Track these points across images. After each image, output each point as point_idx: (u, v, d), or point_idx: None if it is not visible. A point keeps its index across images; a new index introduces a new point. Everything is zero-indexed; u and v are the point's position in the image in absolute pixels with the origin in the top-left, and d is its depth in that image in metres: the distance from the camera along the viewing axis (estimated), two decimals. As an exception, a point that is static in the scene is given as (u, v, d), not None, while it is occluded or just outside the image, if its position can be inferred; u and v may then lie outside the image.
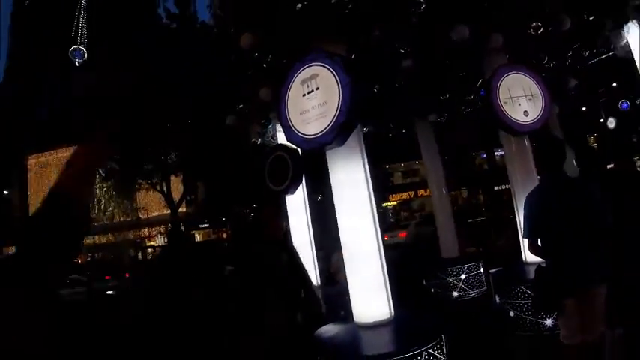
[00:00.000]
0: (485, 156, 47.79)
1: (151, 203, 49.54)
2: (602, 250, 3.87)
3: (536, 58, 7.90)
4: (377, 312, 5.01)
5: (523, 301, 6.35)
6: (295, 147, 6.77)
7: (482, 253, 12.13)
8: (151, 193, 36.57)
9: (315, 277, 8.48)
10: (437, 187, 11.07)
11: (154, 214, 51.26)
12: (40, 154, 62.65)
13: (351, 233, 5.22)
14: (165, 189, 32.27)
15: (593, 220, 3.83)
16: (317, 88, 5.08)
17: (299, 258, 5.19)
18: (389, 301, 5.10)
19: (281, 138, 8.19)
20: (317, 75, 5.09)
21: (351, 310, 5.23)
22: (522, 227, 4.49)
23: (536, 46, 7.74)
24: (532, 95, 6.94)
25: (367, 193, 5.27)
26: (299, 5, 4.97)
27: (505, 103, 6.80)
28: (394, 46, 7.02)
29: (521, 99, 6.89)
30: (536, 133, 6.82)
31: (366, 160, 5.39)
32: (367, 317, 5.03)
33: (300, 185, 8.16)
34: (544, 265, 4.21)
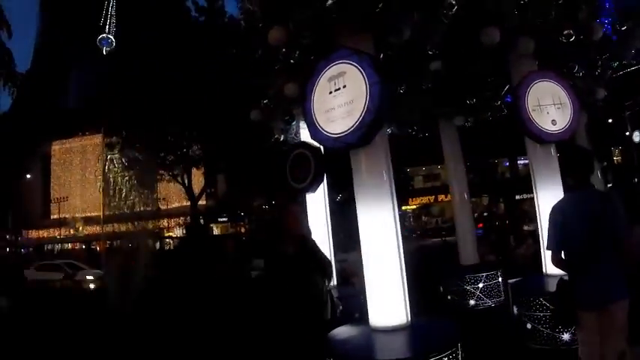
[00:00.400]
0: (508, 164, 47.38)
1: (172, 194, 49.99)
2: (624, 264, 3.80)
3: (566, 67, 7.75)
4: (393, 317, 4.93)
5: (541, 314, 6.22)
6: (318, 145, 6.74)
7: (502, 261, 11.99)
8: (172, 184, 36.84)
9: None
10: (458, 192, 10.94)
11: (173, 205, 51.72)
12: (65, 141, 63.50)
13: (372, 235, 5.15)
14: (186, 181, 32.46)
15: (617, 235, 3.76)
16: (344, 86, 5.03)
17: (320, 258, 5.09)
18: (406, 306, 5.03)
19: (304, 135, 8.15)
20: (344, 73, 5.04)
21: (367, 313, 5.16)
22: (546, 238, 4.40)
23: (566, 53, 7.60)
24: (561, 104, 6.80)
25: (390, 195, 5.19)
26: (329, 2, 4.90)
27: (533, 110, 6.68)
28: (423, 46, 6.93)
29: (550, 107, 6.75)
30: (564, 143, 6.69)
31: (390, 162, 5.32)
32: (383, 322, 4.96)
33: (322, 184, 8.12)
34: (566, 277, 4.12)
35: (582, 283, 3.87)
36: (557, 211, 4.18)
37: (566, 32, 7.01)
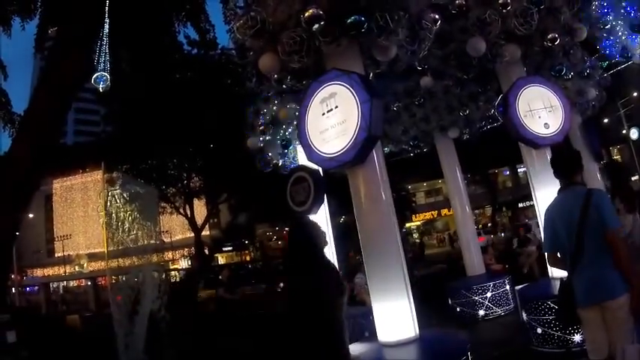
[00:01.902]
0: (508, 172, 47.45)
1: (175, 226, 49.94)
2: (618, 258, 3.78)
3: (554, 70, 7.85)
4: (401, 331, 4.96)
5: (550, 317, 6.23)
6: (316, 167, 6.82)
7: (509, 270, 11.99)
8: (174, 216, 36.89)
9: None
10: (460, 204, 10.98)
11: (177, 237, 51.66)
12: (66, 178, 63.67)
13: (374, 252, 5.20)
14: (188, 212, 32.49)
15: (604, 230, 3.76)
16: (336, 107, 5.13)
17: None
18: (413, 320, 5.06)
19: (302, 159, 8.23)
20: (335, 93, 5.14)
21: (375, 329, 5.19)
22: (543, 241, 4.44)
23: (553, 57, 7.71)
24: (552, 107, 6.88)
25: (389, 212, 5.26)
26: (316, 26, 5.01)
27: (525, 116, 6.75)
28: (411, 63, 7.05)
29: (541, 111, 6.83)
30: (556, 145, 6.76)
31: (387, 179, 5.38)
32: (392, 336, 4.98)
33: (323, 205, 8.17)
34: (566, 278, 4.15)
35: (577, 282, 3.89)
36: (547, 213, 4.23)
37: (550, 36, 7.12)
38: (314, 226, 3.86)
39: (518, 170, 42.86)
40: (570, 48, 7.78)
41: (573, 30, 7.57)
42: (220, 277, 12.04)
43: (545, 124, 6.77)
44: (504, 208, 45.74)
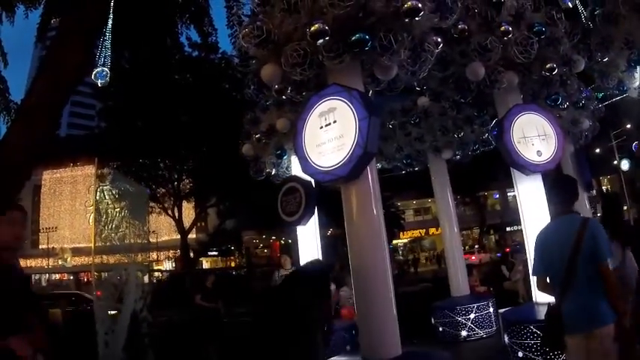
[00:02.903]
0: (497, 196, 47.69)
1: (162, 227, 49.81)
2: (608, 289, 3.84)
3: (550, 99, 7.99)
4: (385, 348, 5.00)
5: (532, 342, 6.28)
6: (309, 178, 6.87)
7: (493, 292, 12.05)
8: (162, 217, 36.77)
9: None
10: (448, 224, 11.04)
11: (163, 238, 51.48)
12: (56, 170, 63.37)
13: (362, 268, 5.25)
14: (176, 214, 32.43)
15: (597, 260, 3.82)
16: (334, 121, 5.20)
17: None
18: (397, 338, 5.10)
19: (295, 169, 8.28)
20: (335, 108, 5.21)
21: (358, 345, 5.22)
22: (532, 265, 4.50)
23: (550, 86, 7.85)
24: (545, 135, 6.99)
25: (379, 228, 5.32)
26: (321, 41, 5.09)
27: (519, 142, 6.86)
28: (410, 83, 7.15)
29: (535, 139, 6.95)
30: (549, 172, 6.86)
31: (379, 196, 5.45)
32: (375, 353, 5.02)
33: (312, 217, 8.21)
34: (554, 303, 4.20)
35: (566, 308, 3.94)
36: (539, 238, 4.29)
37: (548, 66, 7.26)
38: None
39: (508, 194, 43.08)
40: (567, 78, 7.94)
41: (572, 61, 7.72)
42: (207, 282, 11.90)
43: (538, 151, 6.88)
44: (492, 231, 45.98)
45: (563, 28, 7.43)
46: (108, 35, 14.61)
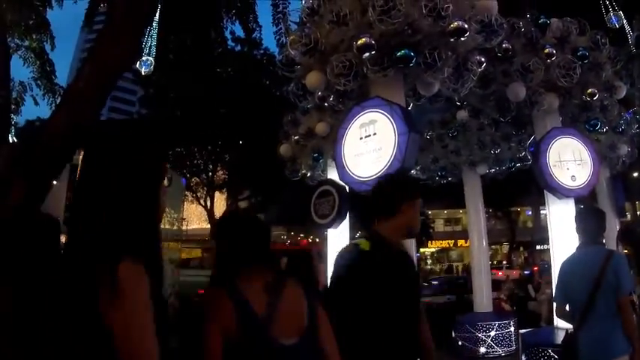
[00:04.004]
0: (530, 213, 46.98)
1: (192, 216, 50.41)
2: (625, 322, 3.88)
3: (590, 124, 7.97)
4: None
5: (549, 365, 6.33)
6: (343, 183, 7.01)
7: (516, 311, 12.02)
8: (193, 205, 37.33)
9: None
10: (477, 238, 11.05)
11: (193, 227, 52.12)
12: (93, 151, 64.75)
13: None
14: (208, 204, 32.88)
15: (618, 294, 3.87)
16: (374, 134, 5.34)
17: None
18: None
19: (330, 173, 8.41)
20: (375, 121, 5.35)
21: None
22: (554, 291, 4.56)
23: (590, 110, 7.84)
24: (581, 161, 7.02)
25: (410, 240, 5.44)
26: (367, 54, 5.24)
27: (554, 166, 6.88)
28: (450, 97, 7.23)
29: (570, 164, 6.96)
30: (581, 200, 6.87)
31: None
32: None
33: (344, 222, 8.33)
34: (571, 331, 4.26)
35: (582, 338, 4.00)
36: (563, 267, 4.35)
37: (589, 91, 7.28)
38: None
39: (541, 212, 42.44)
40: (608, 104, 7.93)
41: (613, 87, 7.72)
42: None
43: (573, 176, 6.89)
44: (521, 248, 45.33)
45: (607, 54, 7.44)
46: (155, 25, 14.94)
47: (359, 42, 5.22)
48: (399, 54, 5.22)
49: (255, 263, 2.41)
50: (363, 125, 5.46)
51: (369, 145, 5.35)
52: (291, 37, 5.95)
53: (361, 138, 5.47)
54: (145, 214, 1.69)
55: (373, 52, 5.25)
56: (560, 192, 6.93)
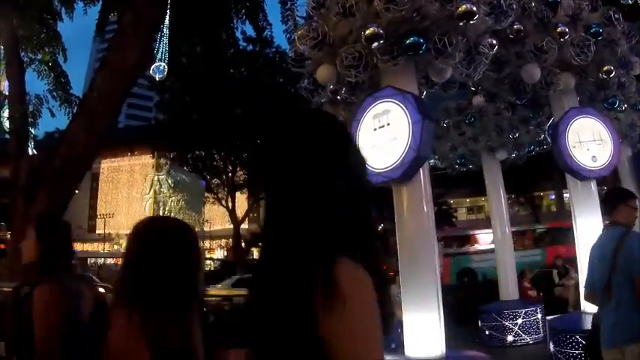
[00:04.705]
0: (553, 197, 46.37)
1: (215, 217, 50.78)
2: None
3: (608, 102, 7.81)
4: (429, 348, 5.06)
5: (577, 351, 6.20)
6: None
7: (543, 298, 11.87)
8: (215, 206, 37.54)
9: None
10: (500, 226, 10.91)
11: (216, 228, 52.50)
12: (114, 159, 65.43)
13: (411, 267, 5.32)
14: (230, 204, 33.03)
15: (631, 274, 3.76)
16: (388, 124, 5.27)
17: None
18: (442, 338, 5.15)
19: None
20: (388, 111, 5.28)
21: (403, 343, 5.29)
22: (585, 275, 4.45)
23: (607, 89, 7.67)
24: (601, 140, 6.87)
25: (430, 228, 5.37)
26: (376, 44, 5.17)
27: (573, 147, 6.76)
28: (464, 83, 7.13)
29: (590, 144, 6.83)
30: (604, 179, 6.73)
31: (430, 197, 5.50)
32: (418, 353, 5.09)
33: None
34: (595, 315, 4.18)
35: (602, 322, 3.91)
36: (591, 250, 4.27)
37: (606, 68, 7.12)
38: None
39: (564, 195, 41.89)
40: (626, 81, 7.75)
41: (630, 63, 7.55)
42: None
43: (593, 157, 6.76)
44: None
45: (621, 29, 7.27)
46: (166, 31, 15.02)
47: (367, 32, 5.15)
48: (408, 42, 5.14)
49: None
50: (377, 116, 5.39)
51: (384, 136, 5.27)
52: (299, 32, 5.89)
53: (375, 129, 5.39)
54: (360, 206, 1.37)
55: (382, 42, 5.18)
56: (582, 173, 6.80)
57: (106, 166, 66.94)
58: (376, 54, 5.29)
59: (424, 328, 5.13)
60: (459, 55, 5.28)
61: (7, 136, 10.06)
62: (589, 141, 6.82)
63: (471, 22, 5.10)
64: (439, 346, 5.10)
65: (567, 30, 6.59)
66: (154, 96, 41.18)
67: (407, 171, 5.04)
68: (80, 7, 11.25)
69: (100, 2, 11.44)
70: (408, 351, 5.19)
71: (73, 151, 8.27)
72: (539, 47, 6.41)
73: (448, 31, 5.14)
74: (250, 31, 15.29)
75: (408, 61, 5.51)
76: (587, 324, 4.56)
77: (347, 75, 5.59)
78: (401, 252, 5.42)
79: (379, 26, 5.14)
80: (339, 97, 6.66)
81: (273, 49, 29.75)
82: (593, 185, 7.11)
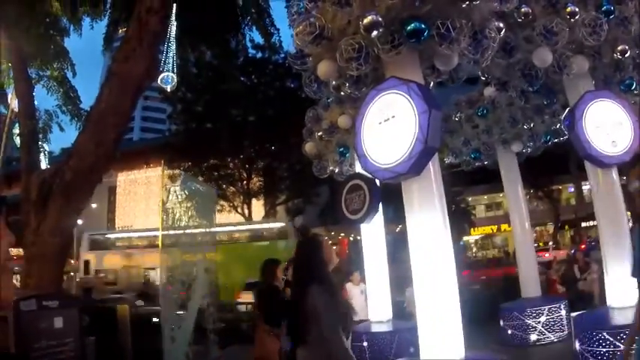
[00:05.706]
0: (572, 189, 45.70)
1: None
2: None
3: (624, 84, 7.46)
4: (447, 350, 4.79)
5: (604, 349, 5.80)
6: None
7: (567, 294, 11.50)
8: (232, 214, 37.46)
9: (388, 309, 8.32)
10: (519, 221, 10.59)
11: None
12: (130, 172, 65.93)
13: (425, 267, 5.05)
14: (246, 212, 32.91)
15: None
16: (393, 116, 5.01)
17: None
18: (460, 340, 4.88)
19: (359, 166, 8.16)
20: (393, 102, 5.02)
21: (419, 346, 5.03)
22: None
23: (623, 70, 7.33)
24: (620, 124, 6.56)
25: (443, 225, 5.10)
26: (375, 33, 4.93)
27: (592, 132, 6.44)
28: (474, 72, 6.87)
29: (609, 128, 6.52)
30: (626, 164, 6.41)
31: (442, 191, 5.23)
32: (436, 355, 4.82)
33: (377, 215, 8.06)
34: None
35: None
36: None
37: (620, 48, 6.80)
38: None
39: (583, 187, 41.20)
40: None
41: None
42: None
43: (613, 141, 6.44)
44: (567, 227, 44.10)
45: (634, 5, 6.91)
46: (172, 42, 15.00)
47: (365, 21, 4.89)
48: (409, 28, 4.88)
49: None
50: (381, 109, 5.13)
51: (390, 129, 5.01)
52: (297, 28, 5.67)
53: (380, 123, 5.13)
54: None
55: (381, 30, 4.92)
56: (602, 160, 6.50)
57: (123, 179, 67.48)
58: (377, 44, 5.04)
59: (441, 330, 4.86)
60: (465, 39, 5.00)
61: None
62: (607, 125, 6.50)
63: (475, 2, 4.82)
64: (458, 349, 4.82)
65: (577, 9, 6.25)
66: (167, 108, 41.32)
67: (415, 164, 4.76)
68: (87, 22, 11.29)
69: (107, 16, 11.45)
70: (424, 354, 4.92)
71: (83, 163, 8.24)
72: (549, 29, 6.11)
73: (451, 14, 4.88)
74: (258, 38, 15.15)
75: (411, 51, 5.27)
76: (615, 319, 4.25)
77: (348, 68, 5.36)
78: (413, 250, 5.16)
79: (377, 14, 4.88)
80: (342, 93, 6.42)
81: (282, 55, 29.66)
82: (615, 174, 6.79)
